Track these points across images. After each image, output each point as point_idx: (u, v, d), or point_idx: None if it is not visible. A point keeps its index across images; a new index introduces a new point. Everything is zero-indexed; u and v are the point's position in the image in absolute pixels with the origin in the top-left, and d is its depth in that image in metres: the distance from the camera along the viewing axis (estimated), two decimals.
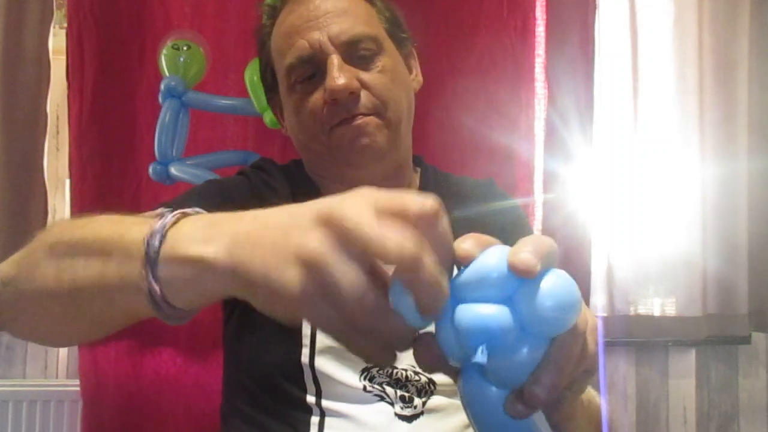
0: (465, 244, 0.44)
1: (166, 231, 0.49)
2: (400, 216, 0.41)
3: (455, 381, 0.47)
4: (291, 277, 0.41)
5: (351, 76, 0.86)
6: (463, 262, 0.44)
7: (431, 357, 0.45)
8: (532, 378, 0.43)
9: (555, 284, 0.42)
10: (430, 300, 0.41)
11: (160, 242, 0.49)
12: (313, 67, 0.88)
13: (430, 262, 0.40)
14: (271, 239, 0.43)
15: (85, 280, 0.54)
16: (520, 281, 0.42)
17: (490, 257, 0.43)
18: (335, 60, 0.86)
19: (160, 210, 0.53)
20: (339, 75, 0.85)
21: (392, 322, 0.42)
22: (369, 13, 0.93)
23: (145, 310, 0.51)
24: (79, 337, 0.67)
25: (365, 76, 0.88)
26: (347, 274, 0.40)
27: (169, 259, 0.48)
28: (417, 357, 0.46)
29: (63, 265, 0.56)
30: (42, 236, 0.62)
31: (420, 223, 0.41)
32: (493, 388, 0.44)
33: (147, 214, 0.56)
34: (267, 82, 0.99)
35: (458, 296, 0.43)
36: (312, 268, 0.40)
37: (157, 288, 0.49)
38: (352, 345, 0.44)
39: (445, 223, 0.43)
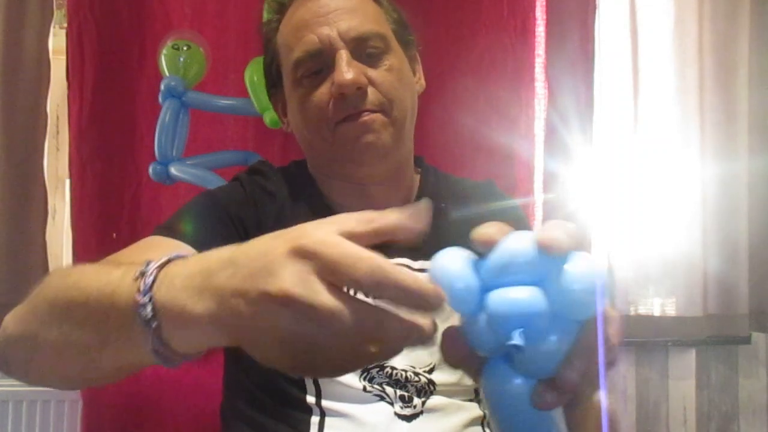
0: (488, 229, 0.44)
1: (153, 295, 0.49)
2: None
3: (476, 377, 0.47)
4: (278, 320, 0.42)
5: (359, 72, 0.87)
6: (486, 247, 0.44)
7: (459, 350, 0.45)
8: (565, 362, 0.43)
9: (583, 267, 0.42)
10: (420, 306, 0.42)
11: (152, 311, 0.49)
12: (320, 63, 0.89)
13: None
14: (248, 286, 0.43)
15: (91, 341, 0.55)
16: (548, 264, 0.42)
17: (516, 241, 0.43)
18: (344, 55, 0.87)
19: (139, 269, 0.52)
20: (348, 69, 0.85)
21: (388, 330, 0.42)
22: (377, 13, 0.93)
23: (149, 360, 0.51)
24: (90, 384, 0.68)
25: (372, 73, 0.88)
26: (326, 303, 0.41)
27: (165, 320, 0.48)
28: (444, 351, 0.46)
29: (65, 329, 0.57)
30: (41, 292, 0.62)
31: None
32: (519, 380, 0.44)
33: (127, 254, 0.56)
34: (271, 77, 0.99)
35: (485, 283, 0.43)
36: (290, 306, 0.41)
37: (159, 345, 0.49)
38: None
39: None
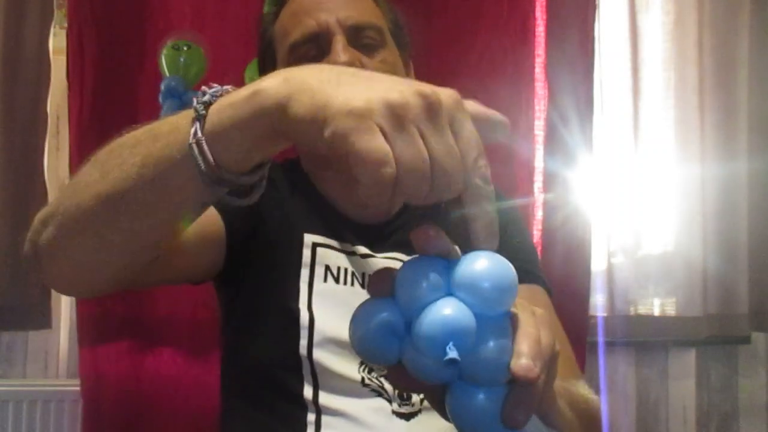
0: (428, 231, 0.44)
1: (210, 101, 0.50)
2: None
3: (439, 408, 0.46)
4: (367, 109, 0.42)
5: (354, 57, 0.87)
6: (428, 245, 0.44)
7: (411, 383, 0.45)
8: (514, 354, 0.42)
9: (486, 264, 0.42)
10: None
11: (204, 108, 0.50)
12: (316, 48, 0.90)
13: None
14: (361, 84, 0.44)
15: (132, 167, 0.53)
16: (449, 271, 0.42)
17: (414, 263, 0.43)
18: (341, 39, 0.88)
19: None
20: (343, 53, 0.86)
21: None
22: (375, 8, 0.95)
23: (194, 191, 0.51)
24: (115, 269, 0.63)
25: (367, 61, 0.89)
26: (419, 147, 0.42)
27: (220, 107, 0.49)
28: (395, 386, 0.46)
29: (108, 164, 0.56)
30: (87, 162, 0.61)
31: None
32: (481, 395, 0.43)
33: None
34: (264, 66, 1.00)
35: (405, 314, 0.43)
36: (395, 110, 0.42)
37: (206, 148, 0.48)
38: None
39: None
